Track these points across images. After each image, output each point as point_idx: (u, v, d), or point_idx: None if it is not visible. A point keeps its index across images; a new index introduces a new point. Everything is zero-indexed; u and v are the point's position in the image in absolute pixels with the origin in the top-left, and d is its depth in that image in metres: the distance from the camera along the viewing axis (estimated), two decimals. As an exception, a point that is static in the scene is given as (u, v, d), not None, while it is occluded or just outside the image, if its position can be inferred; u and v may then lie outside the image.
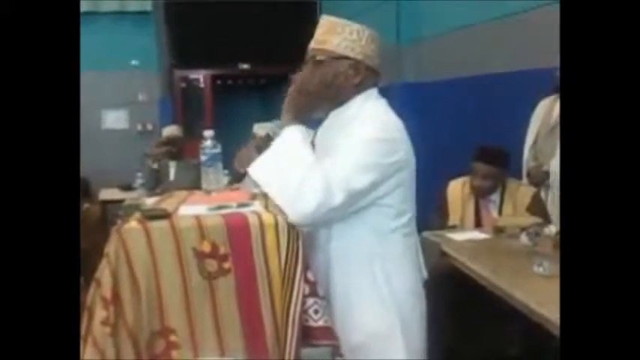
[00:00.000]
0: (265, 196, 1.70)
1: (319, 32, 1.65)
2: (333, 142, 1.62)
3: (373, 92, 1.68)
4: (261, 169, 1.57)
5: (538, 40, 3.67)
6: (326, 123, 1.72)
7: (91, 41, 5.59)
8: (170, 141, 4.81)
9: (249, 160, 1.70)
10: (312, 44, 1.66)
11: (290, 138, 1.59)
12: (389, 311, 1.60)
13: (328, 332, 1.48)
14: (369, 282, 1.59)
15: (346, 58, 1.61)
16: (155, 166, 4.72)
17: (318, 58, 1.63)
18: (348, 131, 1.58)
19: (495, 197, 3.14)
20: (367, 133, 1.55)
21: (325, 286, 1.59)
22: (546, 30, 3.18)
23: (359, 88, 1.64)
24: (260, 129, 4.56)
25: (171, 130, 4.96)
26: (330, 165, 1.51)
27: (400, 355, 1.60)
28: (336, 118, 1.68)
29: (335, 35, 1.61)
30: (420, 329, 1.68)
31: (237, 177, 1.72)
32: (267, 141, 1.72)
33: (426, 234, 2.81)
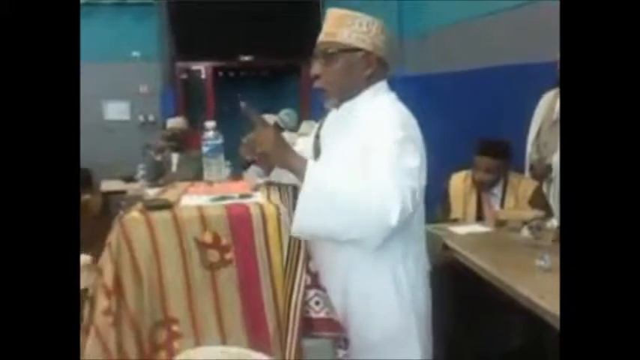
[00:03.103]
0: (268, 188, 1.70)
1: (328, 25, 1.63)
2: (342, 135, 1.61)
3: (383, 85, 1.66)
4: (318, 215, 1.42)
5: (542, 33, 3.65)
6: (335, 115, 1.70)
7: (92, 33, 5.59)
8: (175, 134, 4.81)
9: (255, 148, 1.69)
10: (322, 37, 1.63)
11: (321, 174, 1.46)
12: (408, 313, 1.60)
13: (329, 324, 1.48)
14: (392, 284, 1.59)
15: (357, 49, 1.59)
16: (159, 158, 4.72)
17: (330, 50, 1.60)
18: (363, 128, 1.55)
19: (497, 190, 3.14)
20: (397, 134, 1.50)
21: (343, 283, 1.58)
22: (551, 23, 3.17)
23: (370, 81, 1.63)
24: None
25: (175, 123, 4.96)
26: (383, 171, 1.44)
27: (416, 355, 1.61)
28: (347, 111, 1.65)
29: (345, 27, 1.59)
30: (430, 326, 1.68)
31: (243, 164, 1.70)
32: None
33: (428, 227, 2.81)
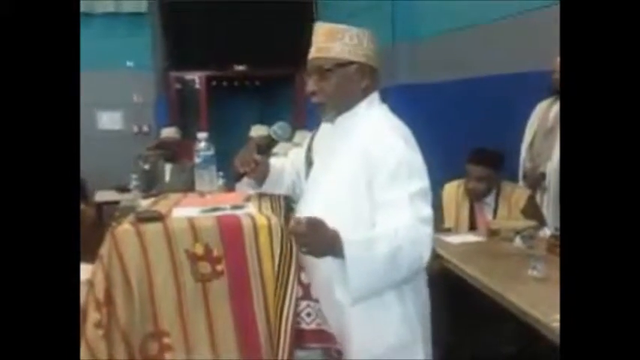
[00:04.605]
0: (259, 198, 1.70)
1: (319, 40, 1.62)
2: (339, 149, 1.61)
3: (375, 97, 1.66)
4: (375, 274, 1.42)
5: (534, 42, 3.68)
6: (329, 127, 1.69)
7: (86, 42, 5.55)
8: (165, 143, 4.80)
9: (250, 160, 1.69)
10: (314, 53, 1.62)
11: (356, 245, 1.41)
12: (412, 324, 1.59)
13: (321, 335, 1.47)
14: (396, 296, 1.57)
15: (351, 63, 1.59)
16: (147, 167, 4.71)
17: (325, 66, 1.59)
18: (361, 141, 1.56)
19: (490, 200, 3.14)
20: (401, 152, 1.51)
21: (339, 295, 1.55)
22: (543, 32, 3.19)
23: (365, 92, 1.63)
24: (257, 131, 4.57)
25: (168, 132, 4.95)
26: (403, 209, 1.46)
27: None
28: (343, 124, 1.64)
29: (336, 41, 1.59)
30: (429, 336, 1.67)
31: (236, 176, 1.71)
32: (268, 141, 1.71)
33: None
